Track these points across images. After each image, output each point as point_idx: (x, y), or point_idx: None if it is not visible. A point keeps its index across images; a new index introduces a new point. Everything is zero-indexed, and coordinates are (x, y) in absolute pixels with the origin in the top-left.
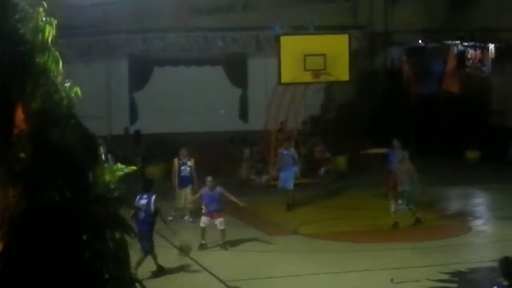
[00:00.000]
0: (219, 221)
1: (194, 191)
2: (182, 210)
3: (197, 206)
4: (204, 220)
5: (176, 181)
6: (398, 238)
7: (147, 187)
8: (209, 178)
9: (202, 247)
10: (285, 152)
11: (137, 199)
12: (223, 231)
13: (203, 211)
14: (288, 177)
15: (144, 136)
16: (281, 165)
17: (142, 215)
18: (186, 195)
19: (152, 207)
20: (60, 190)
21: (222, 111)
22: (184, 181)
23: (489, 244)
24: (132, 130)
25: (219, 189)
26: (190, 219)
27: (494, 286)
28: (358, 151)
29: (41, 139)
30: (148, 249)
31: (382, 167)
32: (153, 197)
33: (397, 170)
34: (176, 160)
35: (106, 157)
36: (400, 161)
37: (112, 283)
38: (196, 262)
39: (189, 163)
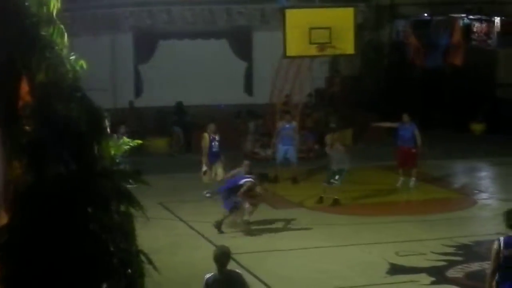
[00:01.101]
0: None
1: (223, 165)
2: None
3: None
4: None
5: (207, 157)
6: (404, 211)
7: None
8: (247, 162)
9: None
10: (287, 125)
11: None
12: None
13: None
14: (291, 151)
15: (148, 109)
16: (282, 139)
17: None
18: (216, 170)
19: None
20: (65, 163)
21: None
22: (215, 157)
23: (494, 218)
24: (136, 104)
25: (253, 176)
26: (208, 195)
27: (500, 237)
28: (365, 125)
29: (46, 112)
30: (232, 208)
31: (392, 142)
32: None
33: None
34: (206, 136)
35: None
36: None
37: (118, 256)
38: (202, 235)
39: (217, 137)
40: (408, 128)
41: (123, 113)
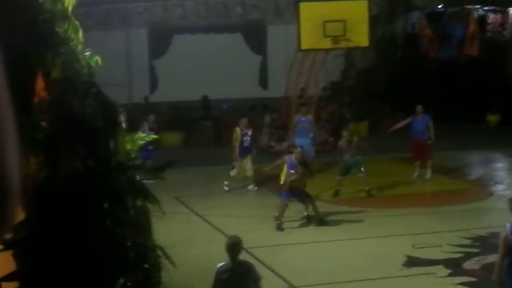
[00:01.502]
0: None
1: (253, 160)
2: (237, 179)
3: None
4: (286, 195)
5: (237, 151)
6: (419, 203)
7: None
8: (299, 149)
9: (280, 226)
10: (303, 118)
11: (287, 159)
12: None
13: (284, 183)
14: (307, 145)
15: (163, 104)
16: (299, 132)
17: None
18: (247, 164)
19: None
20: (81, 159)
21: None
22: (245, 151)
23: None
24: (152, 99)
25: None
26: (256, 188)
27: (507, 224)
28: (380, 117)
29: (62, 107)
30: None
31: (406, 134)
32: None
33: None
34: (238, 130)
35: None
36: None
37: (134, 250)
38: (217, 228)
39: (249, 132)
40: (421, 120)
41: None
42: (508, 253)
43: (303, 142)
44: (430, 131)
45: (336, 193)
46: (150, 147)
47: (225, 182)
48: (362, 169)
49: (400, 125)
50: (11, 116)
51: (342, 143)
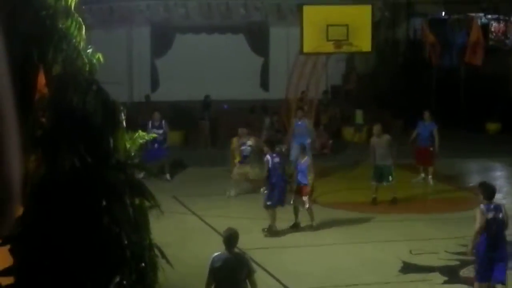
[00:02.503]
0: (306, 199)
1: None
2: (237, 182)
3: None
4: (293, 198)
5: (236, 161)
6: (417, 209)
7: (273, 147)
8: (302, 146)
9: (296, 226)
10: (299, 122)
11: (269, 158)
12: (309, 210)
13: (306, 186)
14: (298, 150)
15: (164, 103)
16: (295, 136)
17: (280, 170)
18: (246, 169)
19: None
20: (80, 155)
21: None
22: (245, 159)
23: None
24: (153, 98)
25: (308, 160)
26: (228, 194)
27: (481, 206)
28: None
29: (62, 104)
30: (282, 205)
31: (407, 141)
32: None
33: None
34: (235, 140)
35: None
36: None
37: (131, 249)
38: (213, 229)
39: (249, 142)
40: (427, 127)
41: (140, 107)
42: (485, 228)
43: (296, 146)
44: (434, 138)
45: (374, 201)
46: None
47: (231, 191)
48: (391, 178)
49: (414, 134)
50: (13, 116)
51: (374, 141)
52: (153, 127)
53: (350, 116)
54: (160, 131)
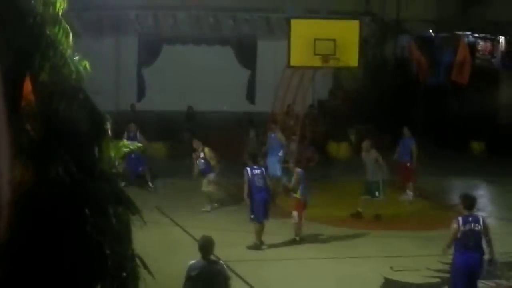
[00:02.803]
0: (294, 213)
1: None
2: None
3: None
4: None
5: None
6: (399, 226)
7: (255, 159)
8: (314, 157)
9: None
10: (272, 135)
11: (249, 171)
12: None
13: (298, 200)
14: (274, 163)
15: (149, 113)
16: (268, 150)
17: (260, 182)
18: (208, 181)
19: (266, 178)
20: (65, 164)
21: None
22: (203, 172)
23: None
24: (139, 107)
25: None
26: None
27: (458, 217)
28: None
29: (48, 112)
30: (266, 219)
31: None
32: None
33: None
34: (194, 155)
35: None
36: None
37: (113, 258)
38: (196, 240)
39: (202, 154)
40: (405, 143)
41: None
42: (457, 241)
43: (269, 160)
44: (412, 154)
45: (357, 215)
46: (134, 156)
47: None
48: (377, 193)
49: (397, 150)
50: (3, 124)
51: (364, 156)
52: (128, 138)
53: (336, 131)
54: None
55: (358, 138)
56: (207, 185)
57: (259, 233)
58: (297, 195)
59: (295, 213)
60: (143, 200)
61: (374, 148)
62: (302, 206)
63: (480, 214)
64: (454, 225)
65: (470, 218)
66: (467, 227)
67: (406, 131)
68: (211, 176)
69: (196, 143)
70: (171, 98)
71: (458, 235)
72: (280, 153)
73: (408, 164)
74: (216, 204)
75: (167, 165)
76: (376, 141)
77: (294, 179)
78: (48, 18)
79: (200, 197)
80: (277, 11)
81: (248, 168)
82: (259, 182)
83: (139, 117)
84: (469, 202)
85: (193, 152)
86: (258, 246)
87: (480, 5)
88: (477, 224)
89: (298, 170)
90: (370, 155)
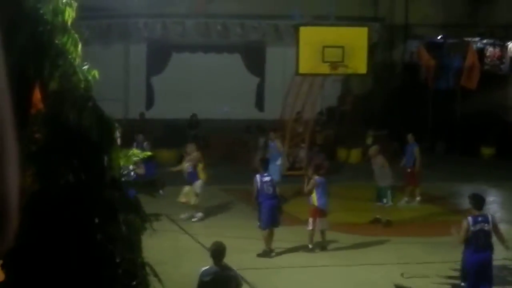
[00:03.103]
0: (310, 220)
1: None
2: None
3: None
4: (323, 222)
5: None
6: (410, 232)
7: (267, 166)
8: (325, 164)
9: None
10: (272, 144)
11: (258, 178)
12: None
13: (315, 207)
14: (273, 170)
15: (159, 121)
16: (270, 157)
17: (270, 189)
18: (194, 192)
19: (275, 184)
20: (74, 172)
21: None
22: (188, 178)
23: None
24: (147, 116)
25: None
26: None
27: (469, 216)
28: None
29: (58, 120)
30: (275, 226)
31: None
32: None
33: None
34: (185, 157)
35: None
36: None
37: (123, 267)
38: (206, 248)
39: (188, 158)
40: (409, 148)
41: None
42: (468, 240)
43: (270, 168)
44: (415, 159)
45: (374, 221)
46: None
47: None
48: (385, 200)
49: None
50: (12, 131)
51: (373, 163)
52: (137, 147)
53: (347, 137)
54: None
55: (373, 144)
56: (186, 196)
57: (267, 240)
58: (314, 202)
59: (310, 220)
60: (153, 208)
61: (381, 154)
62: (318, 213)
63: (489, 213)
64: (465, 226)
65: (479, 218)
66: (477, 227)
67: (410, 137)
68: (198, 186)
69: (191, 147)
70: (180, 106)
71: (469, 235)
72: (278, 162)
73: (409, 170)
74: (200, 214)
75: (177, 173)
76: (384, 147)
77: (309, 185)
78: (57, 27)
79: (209, 205)
80: (285, 18)
81: (258, 176)
82: (268, 190)
83: (148, 125)
84: (478, 202)
85: (185, 154)
86: (267, 253)
87: (488, 9)
88: (486, 224)
89: (317, 177)
90: (376, 161)
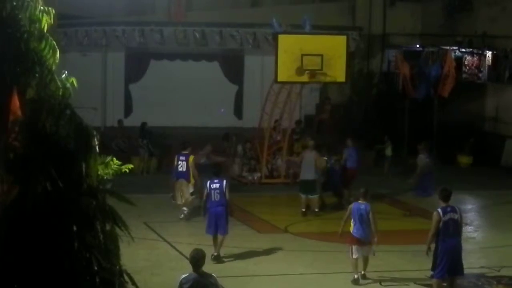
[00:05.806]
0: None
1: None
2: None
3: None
4: (358, 250)
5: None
6: (387, 240)
7: (217, 171)
8: (362, 190)
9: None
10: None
11: (208, 183)
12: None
13: (350, 234)
14: None
15: (137, 128)
16: None
17: (217, 196)
18: (181, 187)
19: (225, 190)
20: (52, 180)
21: (222, 110)
22: (177, 176)
23: (478, 250)
24: (126, 123)
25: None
26: (181, 216)
27: (437, 209)
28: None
29: (35, 127)
30: (220, 233)
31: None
32: (225, 181)
33: None
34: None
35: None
36: None
37: (100, 275)
38: (184, 256)
39: (181, 156)
40: (349, 152)
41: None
42: (440, 231)
43: None
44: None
45: None
46: None
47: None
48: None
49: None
50: None
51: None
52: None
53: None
54: None
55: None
56: (184, 197)
57: (215, 245)
58: (350, 229)
59: (350, 248)
60: (131, 216)
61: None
62: (354, 241)
63: (456, 205)
64: (436, 217)
65: (448, 209)
66: (447, 216)
67: (349, 141)
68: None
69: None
70: (158, 114)
71: (440, 225)
72: None
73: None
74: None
75: (155, 180)
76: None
77: (346, 214)
78: (34, 34)
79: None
80: (264, 27)
81: (208, 181)
82: (215, 197)
83: (126, 133)
84: (446, 194)
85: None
86: (216, 258)
87: (466, 19)
88: (455, 214)
89: (351, 205)
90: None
